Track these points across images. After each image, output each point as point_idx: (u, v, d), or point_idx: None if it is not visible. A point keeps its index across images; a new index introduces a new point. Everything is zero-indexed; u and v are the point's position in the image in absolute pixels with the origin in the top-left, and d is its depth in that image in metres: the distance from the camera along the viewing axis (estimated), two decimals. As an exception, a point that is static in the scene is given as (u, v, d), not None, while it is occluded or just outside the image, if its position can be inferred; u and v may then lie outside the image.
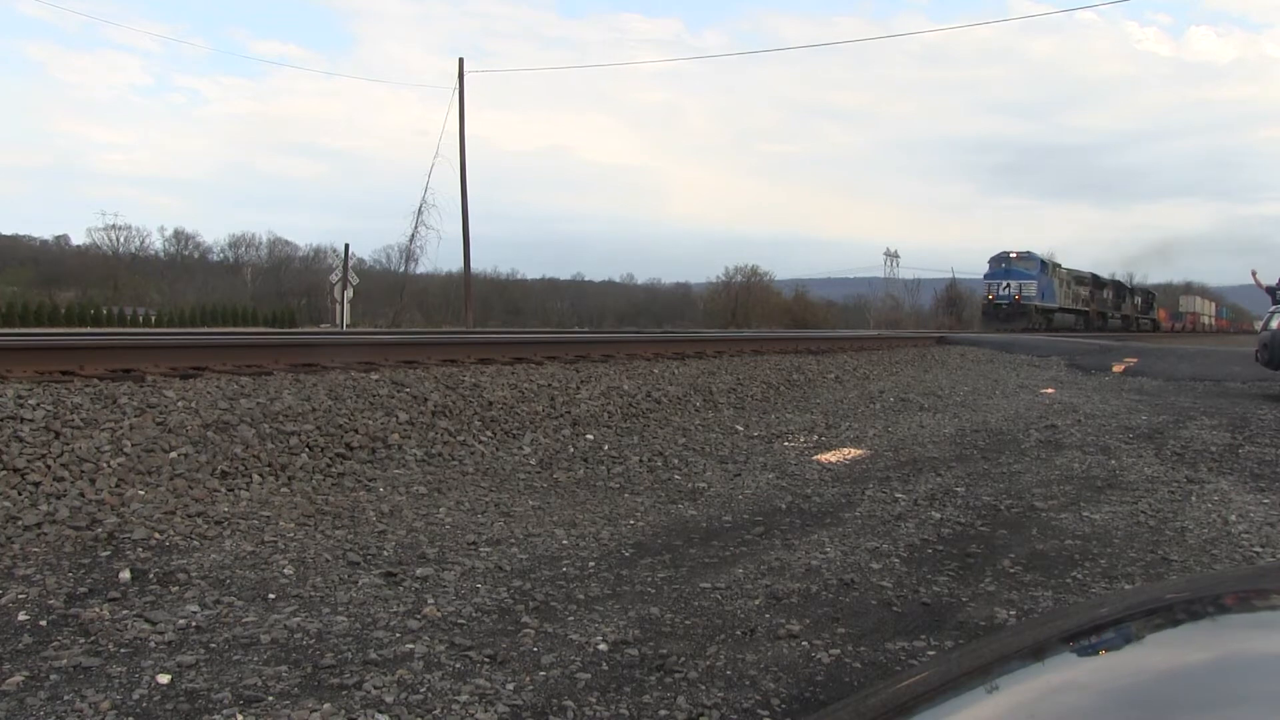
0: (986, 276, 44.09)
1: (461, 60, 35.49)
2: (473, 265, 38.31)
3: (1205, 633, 1.13)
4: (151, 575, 3.90)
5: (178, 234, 70.67)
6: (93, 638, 3.23)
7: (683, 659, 3.22)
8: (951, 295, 63.41)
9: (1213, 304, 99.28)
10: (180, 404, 6.13)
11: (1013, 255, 42.61)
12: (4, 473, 4.73)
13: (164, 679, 2.91)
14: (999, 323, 40.38)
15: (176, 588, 3.78)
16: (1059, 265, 45.83)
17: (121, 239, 62.72)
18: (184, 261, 68.47)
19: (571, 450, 7.10)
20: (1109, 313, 54.15)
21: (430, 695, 2.86)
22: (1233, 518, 5.50)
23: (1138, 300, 64.59)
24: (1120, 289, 59.55)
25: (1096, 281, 52.47)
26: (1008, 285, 42.14)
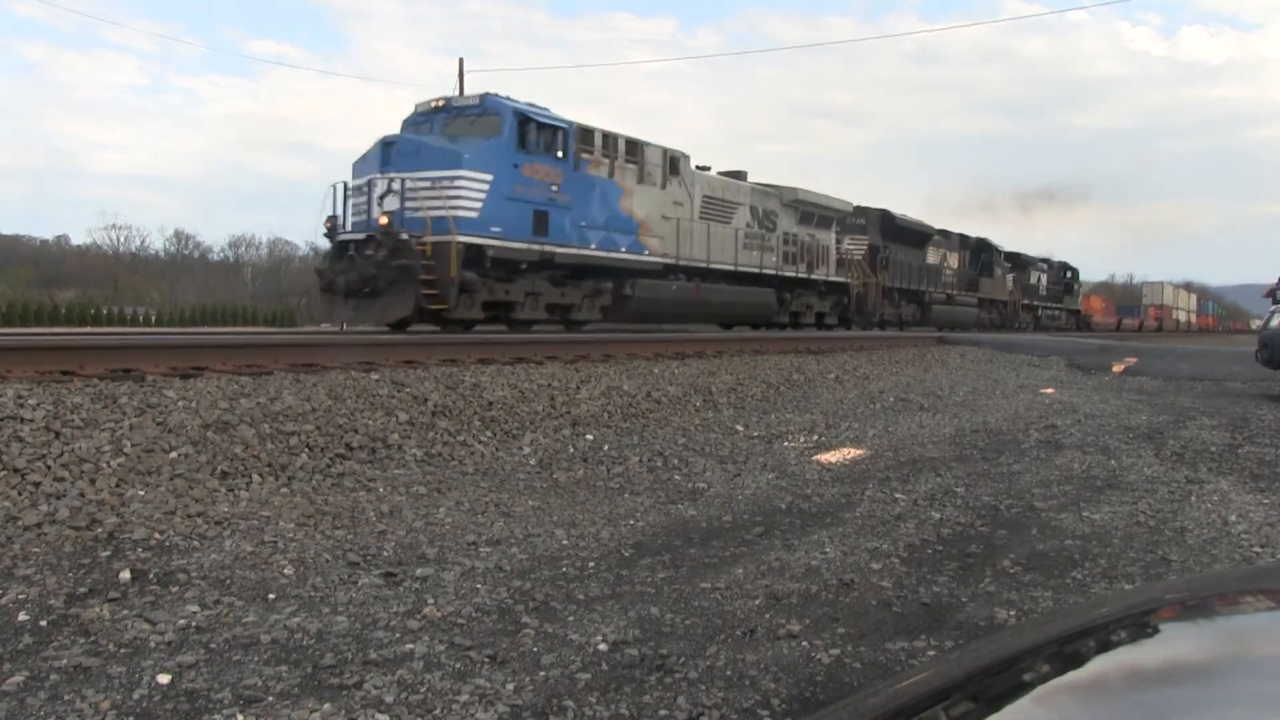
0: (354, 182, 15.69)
1: (461, 60, 35.47)
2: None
3: (1205, 633, 1.13)
4: (151, 575, 3.90)
5: (178, 234, 70.76)
6: (93, 638, 3.23)
7: (683, 659, 3.22)
8: None
9: (1193, 296, 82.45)
10: (180, 404, 6.13)
11: (436, 105, 16.28)
12: (4, 473, 4.73)
13: (164, 679, 2.91)
14: (341, 305, 14.72)
15: (176, 588, 3.78)
16: (682, 158, 19.45)
17: (121, 239, 62.81)
18: (184, 261, 68.50)
19: (571, 450, 7.10)
20: (931, 290, 32.56)
21: (430, 695, 2.86)
22: (1232, 518, 5.50)
23: (1039, 279, 45.78)
24: (980, 253, 38.26)
25: (845, 224, 27.22)
26: (387, 187, 14.54)
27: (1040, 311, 45.91)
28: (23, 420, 5.30)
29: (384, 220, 14.38)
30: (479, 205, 14.73)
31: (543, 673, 3.07)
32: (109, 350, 7.84)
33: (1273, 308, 13.50)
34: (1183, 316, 73.34)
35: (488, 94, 15.93)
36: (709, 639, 3.43)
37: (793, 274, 23.79)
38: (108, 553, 4.16)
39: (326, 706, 2.75)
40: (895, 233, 30.83)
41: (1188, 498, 6.08)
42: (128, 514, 4.60)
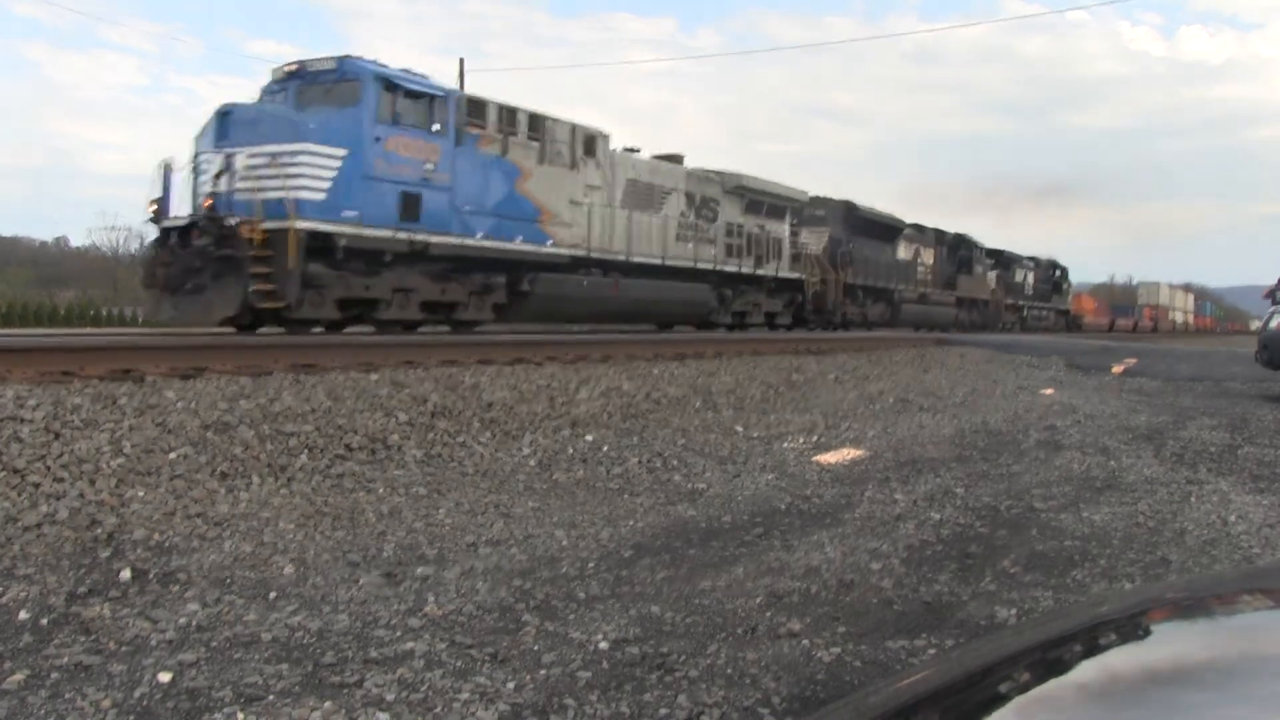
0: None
1: (462, 60, 35.47)
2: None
3: (1205, 633, 1.14)
4: (152, 575, 3.91)
5: (178, 234, 70.52)
6: (93, 636, 3.23)
7: (683, 658, 3.22)
8: None
9: (1190, 297, 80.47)
10: (180, 405, 6.13)
11: (290, 70, 13.58)
12: (4, 473, 4.73)
13: (165, 677, 2.91)
14: (164, 302, 12.74)
15: (177, 587, 3.79)
16: (599, 138, 17.28)
17: (121, 239, 62.76)
18: (184, 261, 68.30)
19: (571, 451, 7.10)
20: (889, 284, 29.25)
21: (431, 693, 2.86)
22: (1232, 518, 5.50)
23: (1025, 277, 43.31)
24: (959, 249, 35.70)
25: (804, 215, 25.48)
26: (222, 165, 12.46)
27: (1026, 311, 43.49)
28: (22, 421, 5.30)
29: (207, 203, 12.28)
30: (327, 185, 12.44)
31: (543, 671, 3.08)
32: (109, 350, 7.84)
33: (1272, 308, 13.50)
34: (1179, 317, 71.60)
35: (347, 56, 13.44)
36: (709, 638, 3.43)
37: (735, 269, 21.22)
38: (108, 552, 4.16)
39: (327, 705, 2.75)
40: (860, 226, 28.22)
41: (1187, 498, 6.08)
42: (128, 514, 4.60)
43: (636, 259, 17.97)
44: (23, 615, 3.41)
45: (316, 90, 13.31)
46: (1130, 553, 4.76)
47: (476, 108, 14.78)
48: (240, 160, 12.36)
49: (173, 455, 5.40)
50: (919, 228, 33.25)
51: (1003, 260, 40.99)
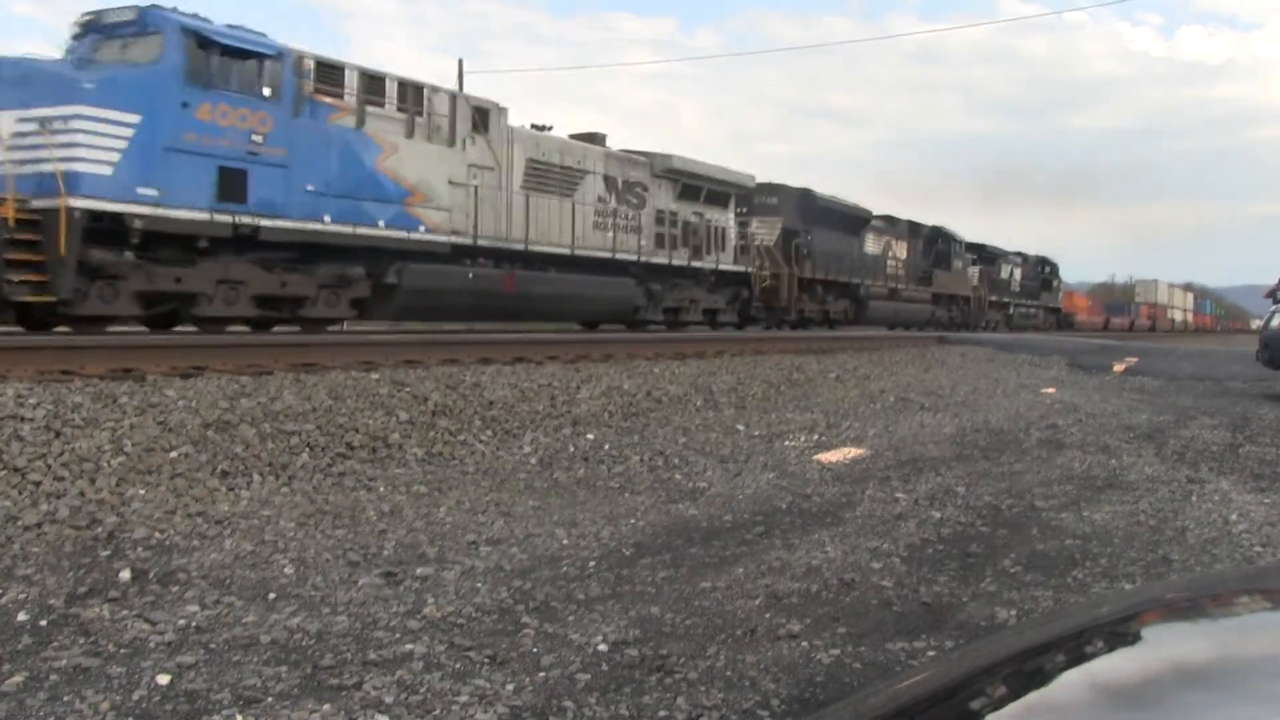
0: None
1: (461, 60, 35.53)
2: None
3: (1205, 633, 1.13)
4: (151, 575, 3.90)
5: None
6: (92, 638, 3.23)
7: (683, 659, 3.22)
8: None
9: (1189, 295, 79.26)
10: (180, 404, 6.13)
11: (88, 20, 11.63)
12: (4, 472, 4.73)
13: (164, 679, 2.91)
14: None
15: (176, 587, 3.78)
16: (493, 111, 15.43)
17: None
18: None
19: (572, 450, 7.10)
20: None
21: (430, 696, 2.86)
22: (1233, 517, 5.49)
23: (1012, 273, 41.32)
24: (936, 243, 33.73)
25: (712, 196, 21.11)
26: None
27: (1012, 309, 41.31)
28: (23, 420, 5.30)
29: None
30: (115, 157, 10.42)
31: (542, 673, 3.07)
32: (109, 350, 7.84)
33: (1273, 308, 13.50)
34: (1178, 316, 69.89)
35: (152, 5, 11.30)
36: (709, 639, 3.42)
37: (665, 261, 18.90)
38: (108, 552, 4.16)
39: (326, 707, 2.75)
40: (819, 215, 25.88)
41: (1189, 497, 6.07)
42: (128, 513, 4.60)
43: (539, 249, 15.81)
44: (22, 616, 3.41)
45: (114, 45, 11.25)
46: (1131, 552, 4.75)
47: (327, 73, 12.67)
48: (4, 126, 10.36)
49: (173, 454, 5.40)
50: (890, 219, 31.12)
51: (986, 255, 38.79)
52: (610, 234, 17.63)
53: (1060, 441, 8.36)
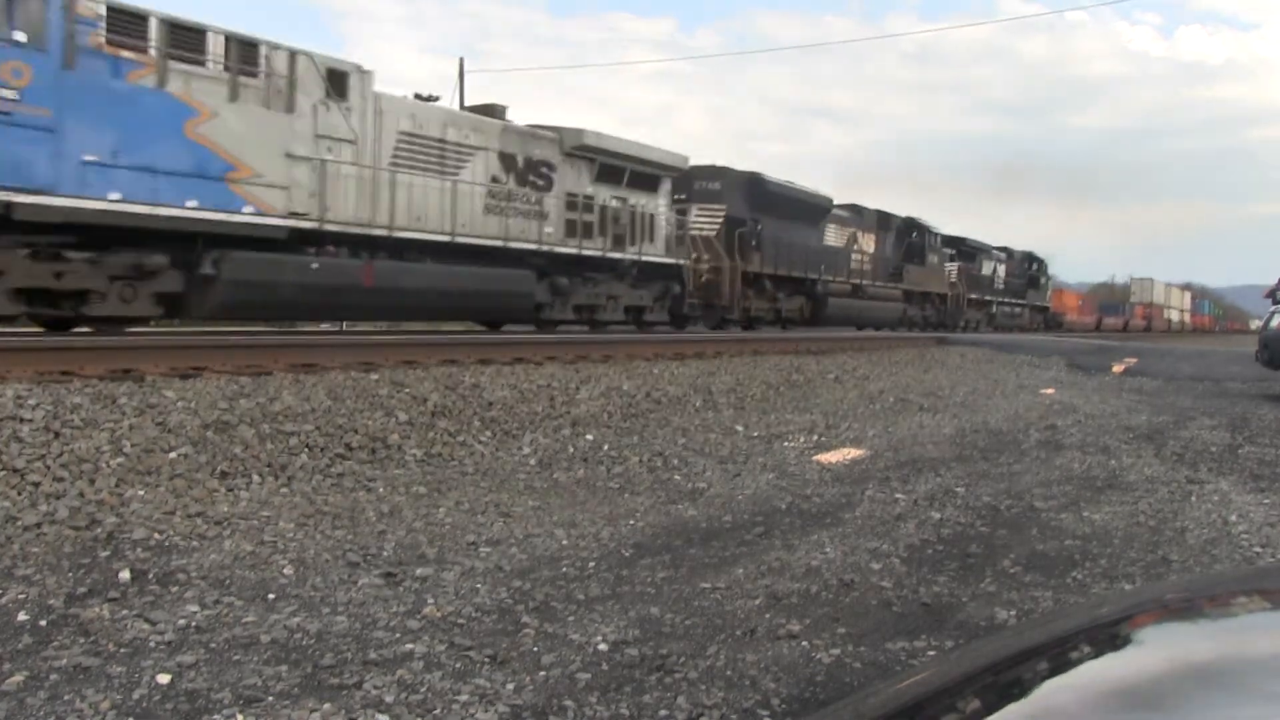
0: None
1: (462, 60, 35.46)
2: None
3: (1205, 633, 1.13)
4: (151, 575, 3.90)
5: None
6: (92, 638, 3.23)
7: (683, 659, 3.22)
8: None
9: (1186, 295, 77.31)
10: (180, 404, 6.13)
11: None
12: (4, 473, 4.73)
13: (164, 679, 2.91)
14: None
15: (176, 588, 3.78)
16: (353, 74, 13.20)
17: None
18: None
19: (571, 450, 7.10)
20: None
21: (430, 695, 2.86)
22: (1233, 518, 5.50)
23: (995, 270, 38.85)
24: (908, 235, 31.12)
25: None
26: None
27: (995, 308, 38.90)
28: (22, 420, 5.30)
29: None
30: None
31: (543, 673, 3.07)
32: (109, 350, 7.84)
33: (1273, 308, 13.51)
34: (1175, 316, 68.04)
35: None
36: (709, 639, 3.43)
37: (575, 250, 16.52)
38: (107, 553, 4.16)
39: (326, 706, 2.75)
40: (771, 203, 23.22)
41: (1188, 498, 6.07)
42: (127, 514, 4.60)
43: (408, 235, 13.62)
44: (22, 616, 3.41)
45: None
46: (1131, 552, 4.75)
47: (123, 21, 10.40)
48: None
49: (173, 455, 5.40)
50: (855, 209, 28.74)
51: (966, 250, 36.38)
52: (504, 219, 15.31)
53: (1059, 442, 8.37)
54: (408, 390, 7.62)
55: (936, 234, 33.17)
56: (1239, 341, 35.02)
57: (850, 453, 7.61)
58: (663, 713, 2.82)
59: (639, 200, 18.35)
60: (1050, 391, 13.16)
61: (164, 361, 7.68)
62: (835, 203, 27.20)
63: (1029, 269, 43.87)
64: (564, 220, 16.50)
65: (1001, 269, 40.31)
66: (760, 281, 22.76)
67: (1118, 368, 17.65)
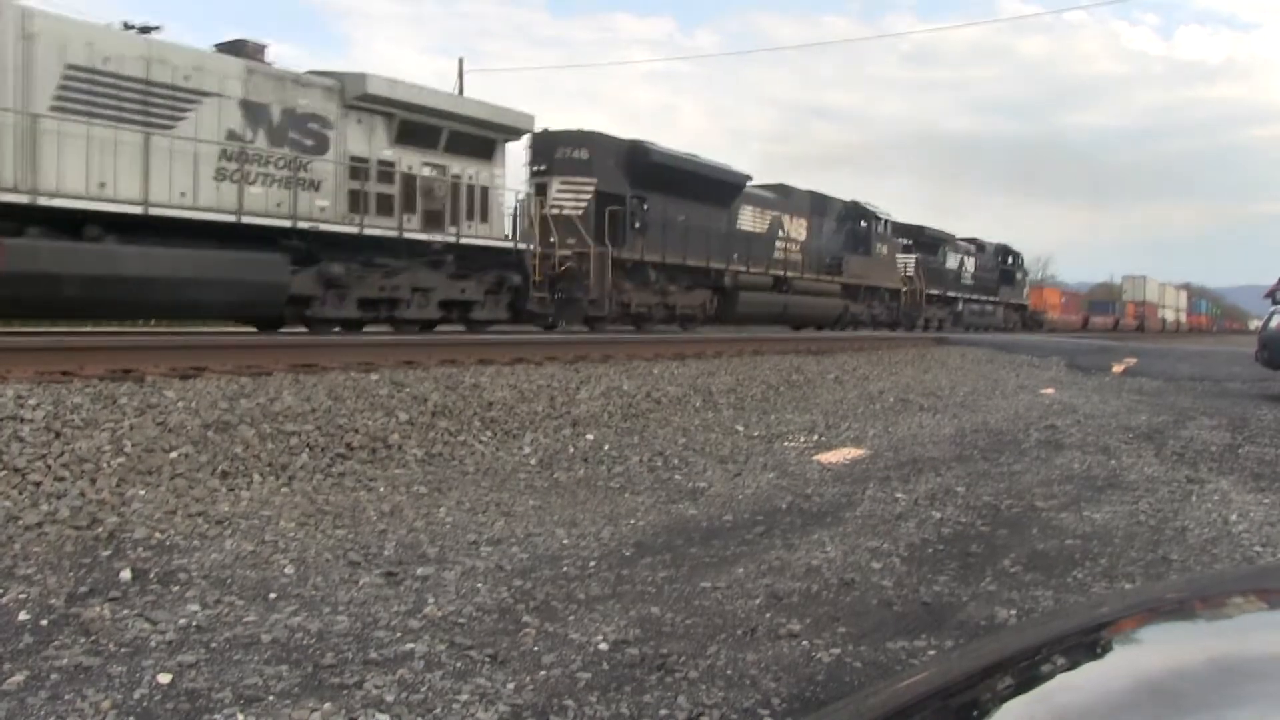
0: None
1: (461, 60, 35.49)
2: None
3: (1205, 633, 1.13)
4: (152, 575, 3.90)
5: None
6: (93, 637, 3.23)
7: (683, 658, 3.22)
8: None
9: (1182, 293, 75.30)
10: (180, 404, 6.13)
11: None
12: (4, 472, 4.73)
13: (165, 678, 2.91)
14: None
15: (177, 587, 3.78)
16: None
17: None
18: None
19: (572, 450, 7.10)
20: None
21: (431, 695, 2.86)
22: (1233, 517, 5.50)
23: (961, 263, 35.68)
24: (852, 222, 28.03)
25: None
26: None
27: (962, 305, 35.52)
28: (23, 420, 5.31)
29: None
30: None
31: (543, 672, 3.07)
32: (109, 350, 7.85)
33: (1273, 308, 13.51)
34: (1170, 315, 65.77)
35: None
36: (709, 638, 3.43)
37: (355, 230, 13.15)
38: (108, 552, 4.16)
39: (327, 706, 2.75)
40: (660, 178, 19.52)
41: (1188, 497, 6.08)
42: (128, 513, 4.60)
43: (69, 204, 10.31)
44: (23, 616, 3.41)
45: None
46: (1131, 552, 4.76)
47: None
48: None
49: (173, 454, 5.41)
50: (782, 189, 25.19)
51: (926, 240, 33.03)
52: (248, 188, 12.05)
53: (1060, 442, 8.37)
54: (408, 390, 7.62)
55: (886, 221, 29.69)
56: (1238, 341, 34.90)
57: (851, 452, 7.61)
58: (663, 712, 2.83)
59: (466, 169, 14.99)
60: (1050, 391, 13.17)
61: (164, 361, 7.69)
62: (757, 182, 23.87)
63: (1003, 263, 40.85)
64: (346, 191, 13.27)
65: (970, 262, 37.13)
66: (642, 271, 19.17)
67: (1118, 368, 17.65)
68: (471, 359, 9.92)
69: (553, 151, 18.13)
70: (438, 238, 14.44)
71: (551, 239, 16.74)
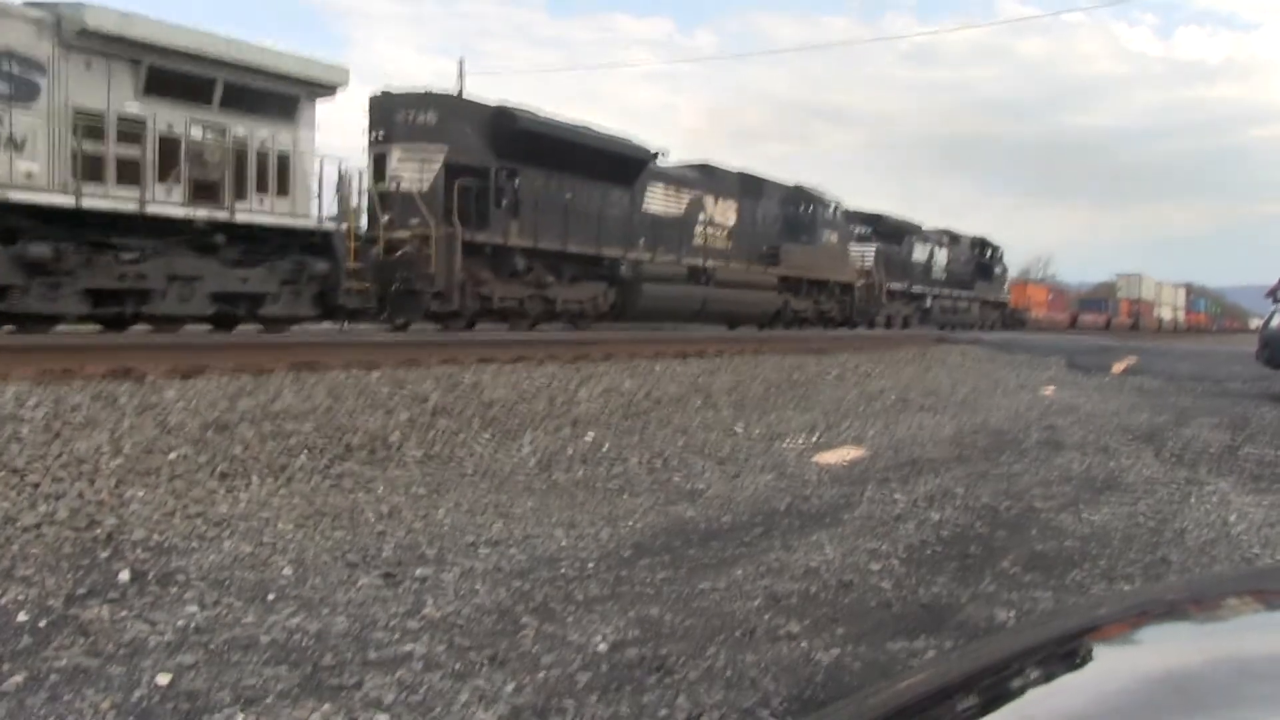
0: None
1: (462, 60, 35.50)
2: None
3: (1205, 633, 1.13)
4: (151, 576, 3.90)
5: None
6: (92, 638, 3.23)
7: (682, 659, 3.22)
8: None
9: (1180, 291, 73.03)
10: (180, 404, 6.13)
11: None
12: (3, 473, 4.72)
13: (164, 679, 2.91)
14: None
15: (176, 588, 3.78)
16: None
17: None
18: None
19: (571, 450, 7.10)
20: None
21: (430, 695, 2.86)
22: (1232, 518, 5.50)
23: (931, 255, 32.81)
24: (795, 207, 24.82)
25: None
26: None
27: (931, 301, 32.64)
28: (22, 420, 5.30)
29: None
30: None
31: (542, 673, 3.07)
32: (109, 350, 7.85)
33: (1274, 307, 13.51)
34: (1167, 314, 63.79)
35: None
36: (709, 639, 3.43)
37: (70, 203, 10.34)
38: (107, 553, 4.16)
39: (326, 706, 2.75)
40: (535, 150, 16.58)
41: (1188, 498, 6.07)
42: (127, 514, 4.60)
43: None
44: (21, 617, 3.41)
45: None
46: (1130, 553, 4.75)
47: None
48: None
49: (172, 455, 5.40)
50: (705, 169, 22.03)
51: (887, 229, 30.12)
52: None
53: (1059, 442, 8.36)
54: (408, 389, 7.62)
55: (835, 205, 26.52)
56: (1238, 341, 34.83)
57: (850, 453, 7.61)
58: (662, 713, 2.82)
59: (256, 131, 12.35)
60: (1050, 391, 13.16)
61: (164, 361, 7.68)
62: (677, 160, 20.83)
63: (980, 256, 37.71)
64: (67, 153, 10.46)
65: (942, 254, 33.85)
66: (509, 258, 16.18)
67: (1118, 367, 17.64)
68: (471, 358, 9.93)
69: (393, 115, 15.31)
70: (200, 214, 11.51)
71: (386, 218, 14.23)
